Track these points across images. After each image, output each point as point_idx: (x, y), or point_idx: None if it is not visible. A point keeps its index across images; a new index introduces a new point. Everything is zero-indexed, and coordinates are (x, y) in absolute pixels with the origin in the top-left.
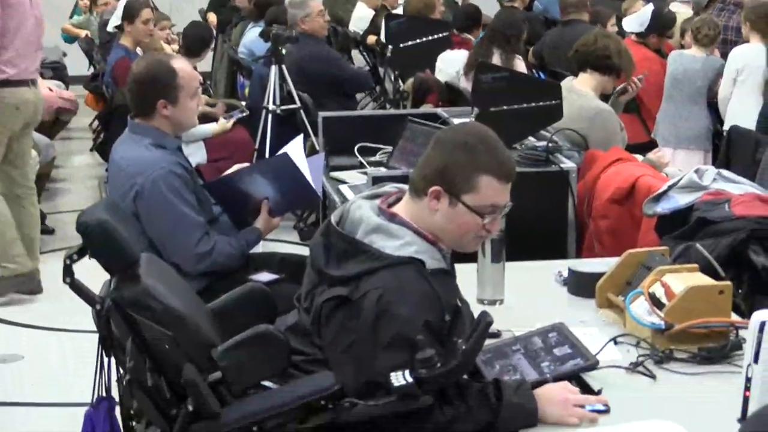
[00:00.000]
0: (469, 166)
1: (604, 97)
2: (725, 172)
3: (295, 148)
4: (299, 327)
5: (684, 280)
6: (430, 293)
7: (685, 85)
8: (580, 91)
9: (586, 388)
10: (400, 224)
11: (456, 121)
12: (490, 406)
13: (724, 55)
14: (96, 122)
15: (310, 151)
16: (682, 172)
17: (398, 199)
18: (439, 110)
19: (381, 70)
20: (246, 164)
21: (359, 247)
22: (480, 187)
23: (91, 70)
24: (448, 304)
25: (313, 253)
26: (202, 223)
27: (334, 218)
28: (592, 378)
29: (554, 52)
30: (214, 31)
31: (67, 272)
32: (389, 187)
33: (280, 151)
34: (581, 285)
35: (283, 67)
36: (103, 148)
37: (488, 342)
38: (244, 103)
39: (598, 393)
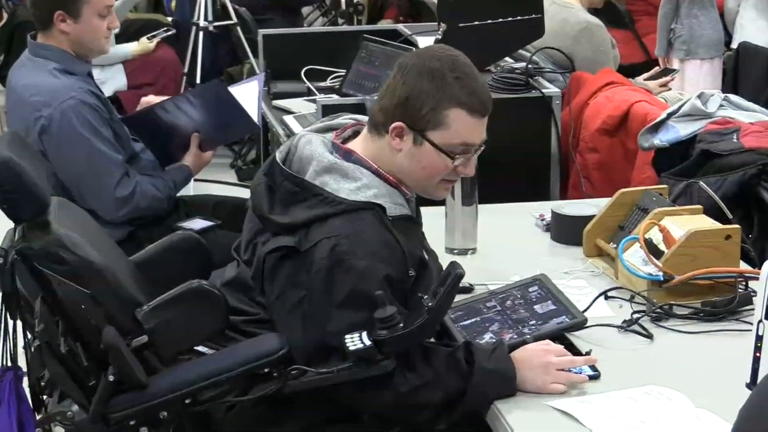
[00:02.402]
0: (435, 96)
1: (594, 12)
2: (733, 97)
3: (248, 92)
4: (239, 282)
5: (685, 223)
6: (392, 243)
7: None
8: (565, 2)
9: (572, 350)
10: (356, 163)
11: (420, 39)
12: (461, 372)
13: None
14: None
15: (249, 75)
16: (683, 95)
17: (355, 133)
18: (400, 26)
19: None
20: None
21: (309, 189)
22: (449, 122)
23: None
24: (412, 256)
25: (255, 197)
26: (120, 161)
27: (279, 155)
28: (579, 338)
29: None
30: None
31: None
32: (344, 119)
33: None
34: (566, 230)
35: None
36: (4, 72)
37: (459, 298)
38: (170, 19)
39: (587, 355)
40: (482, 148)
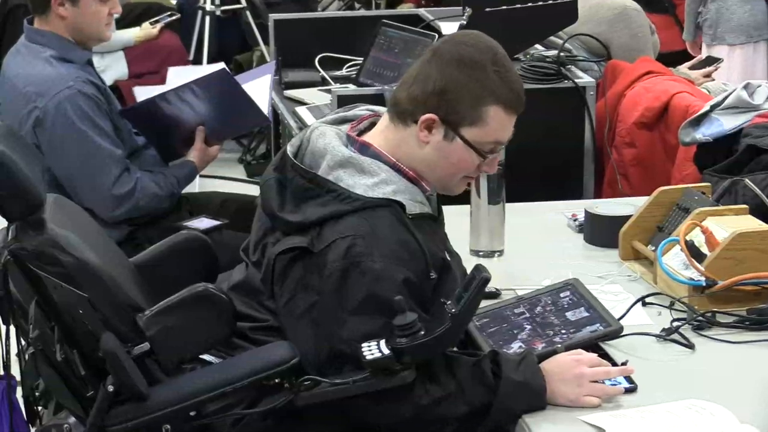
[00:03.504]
0: (475, 91)
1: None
2: None
3: (258, 83)
4: (247, 286)
5: (729, 224)
6: (411, 243)
7: None
8: None
9: (606, 361)
10: (374, 157)
11: (443, 25)
12: (486, 384)
13: None
14: None
15: (259, 63)
16: (728, 86)
17: (372, 125)
18: (421, 11)
19: None
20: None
21: (322, 185)
22: (487, 119)
23: None
24: (433, 258)
25: (264, 193)
26: (120, 156)
27: (290, 149)
28: (614, 348)
29: None
30: None
31: None
32: (360, 110)
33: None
34: (600, 231)
35: None
36: None
37: (484, 304)
38: (174, 2)
39: (622, 366)
40: (505, 144)
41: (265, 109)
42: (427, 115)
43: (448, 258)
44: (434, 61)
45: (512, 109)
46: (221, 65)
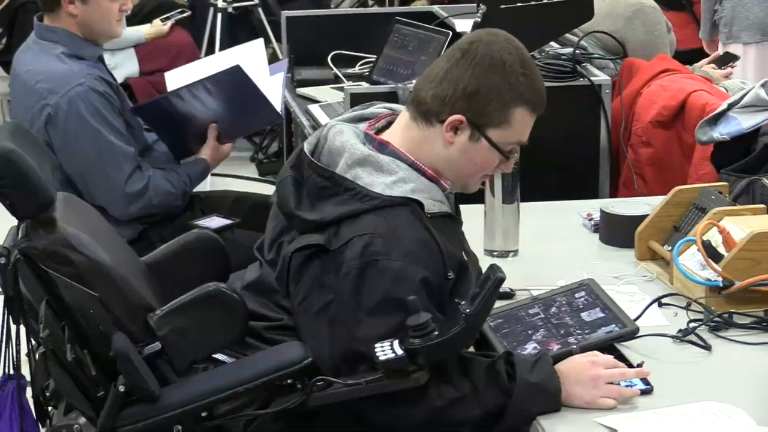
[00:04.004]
0: (506, 94)
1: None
2: None
3: (251, 55)
4: (261, 285)
5: (747, 224)
6: (430, 243)
7: None
8: None
9: (622, 362)
10: (392, 155)
11: (457, 22)
12: (501, 385)
13: None
14: None
15: (271, 60)
16: (746, 84)
17: (389, 123)
18: (435, 8)
19: None
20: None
21: (340, 183)
22: (513, 121)
23: None
24: (451, 258)
25: (281, 191)
26: (132, 154)
27: (307, 146)
28: (630, 349)
29: None
30: None
31: None
32: (378, 108)
33: (231, 54)
34: (616, 231)
35: None
36: (5, 57)
37: (499, 304)
38: None
39: (638, 367)
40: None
41: (278, 106)
42: (455, 116)
43: (465, 258)
44: (464, 61)
45: (537, 111)
46: (236, 61)
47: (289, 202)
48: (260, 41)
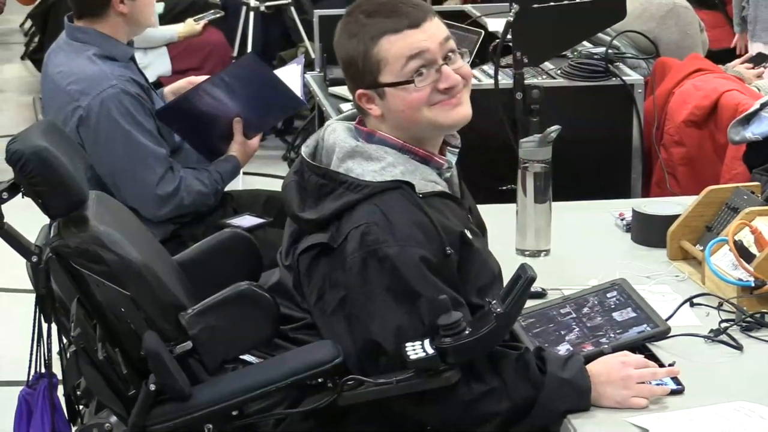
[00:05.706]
0: (359, 46)
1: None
2: None
3: (286, 75)
4: (282, 288)
5: None
6: (424, 222)
7: None
8: None
9: (653, 362)
10: (380, 143)
11: (489, 21)
12: (531, 379)
13: None
14: (29, 23)
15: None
16: None
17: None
18: (468, 7)
19: None
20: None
21: (335, 178)
22: (383, 55)
23: None
24: (448, 233)
25: (286, 196)
26: (164, 155)
27: (305, 149)
28: (661, 349)
29: None
30: None
31: None
32: None
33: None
34: (648, 231)
35: None
36: (38, 55)
37: (530, 303)
38: None
39: (670, 367)
40: (449, 48)
41: (298, 92)
42: (357, 93)
43: (468, 235)
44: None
45: (398, 29)
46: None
47: (293, 205)
48: (299, 67)
